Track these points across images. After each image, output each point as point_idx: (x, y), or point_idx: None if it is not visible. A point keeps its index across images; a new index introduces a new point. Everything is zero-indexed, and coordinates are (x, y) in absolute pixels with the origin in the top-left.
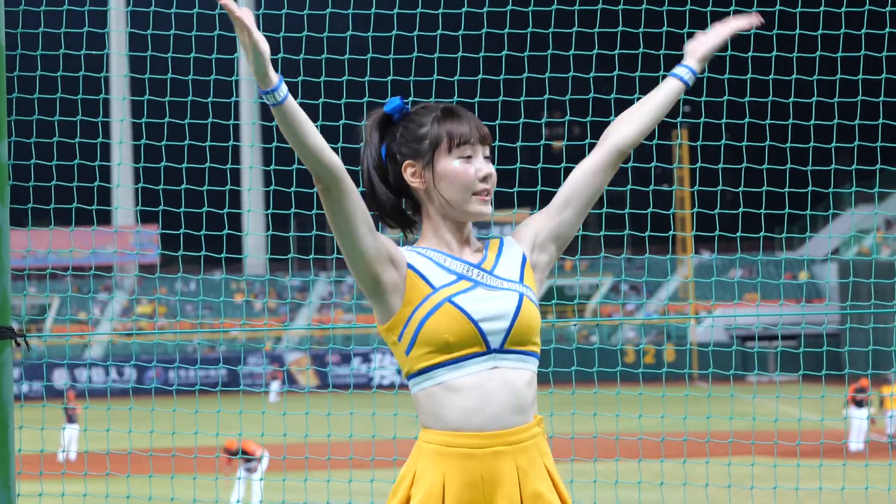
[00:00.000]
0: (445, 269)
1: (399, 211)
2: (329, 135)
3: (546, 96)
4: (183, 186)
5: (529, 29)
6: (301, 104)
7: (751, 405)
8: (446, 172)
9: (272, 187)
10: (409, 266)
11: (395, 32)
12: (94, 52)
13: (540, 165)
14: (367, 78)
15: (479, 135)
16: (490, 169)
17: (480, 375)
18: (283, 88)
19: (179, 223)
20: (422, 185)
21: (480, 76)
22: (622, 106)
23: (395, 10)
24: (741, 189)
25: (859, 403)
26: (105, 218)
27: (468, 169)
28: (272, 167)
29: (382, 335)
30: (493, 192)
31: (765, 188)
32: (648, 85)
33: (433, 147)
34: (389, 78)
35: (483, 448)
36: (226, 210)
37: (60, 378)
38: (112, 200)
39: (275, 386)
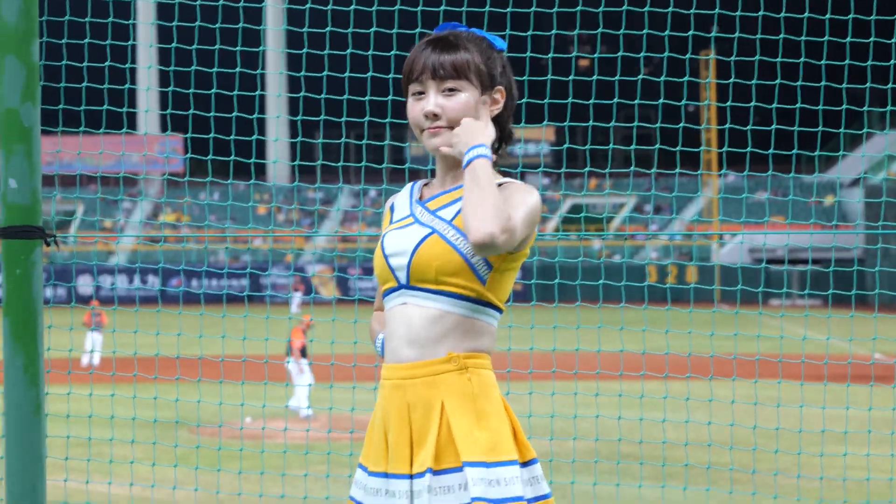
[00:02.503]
0: (409, 204)
1: None
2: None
3: (579, 7)
4: (213, 91)
5: None
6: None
7: (776, 328)
8: (407, 109)
9: (301, 93)
10: (391, 206)
11: None
12: None
13: (571, 77)
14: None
15: (430, 69)
16: (433, 107)
17: (393, 310)
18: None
19: (206, 130)
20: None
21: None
22: (653, 20)
23: None
24: (774, 105)
25: None
26: (131, 127)
27: (417, 106)
28: (301, 73)
29: None
30: (456, 123)
31: (798, 105)
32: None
33: (405, 83)
34: None
35: (386, 379)
36: (255, 115)
37: (85, 284)
38: (139, 105)
39: (296, 298)
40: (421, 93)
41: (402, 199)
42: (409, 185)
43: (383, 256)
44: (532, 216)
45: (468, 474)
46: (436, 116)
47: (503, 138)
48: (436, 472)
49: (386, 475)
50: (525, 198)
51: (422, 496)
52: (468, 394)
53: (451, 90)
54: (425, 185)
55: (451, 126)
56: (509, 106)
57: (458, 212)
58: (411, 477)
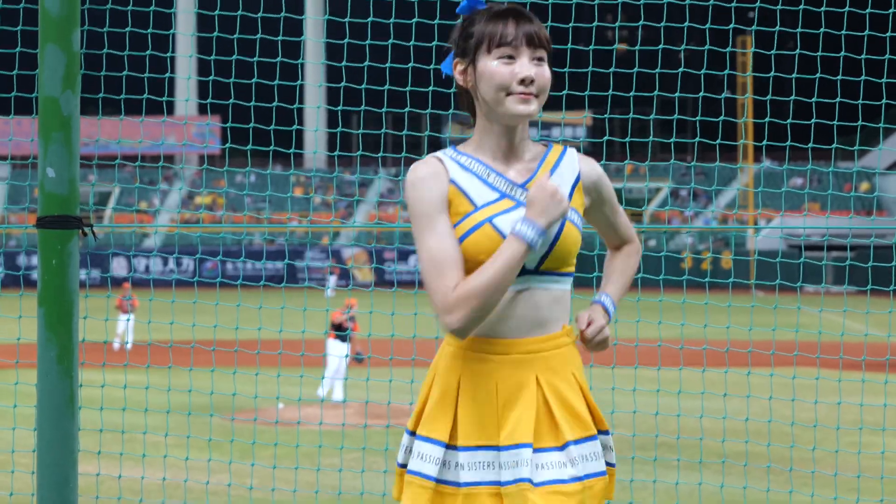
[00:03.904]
0: (489, 185)
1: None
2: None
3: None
4: (254, 81)
5: None
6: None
7: (815, 318)
8: (484, 72)
9: (342, 84)
10: (452, 181)
11: None
12: None
13: (612, 69)
14: None
15: (524, 36)
16: (531, 72)
17: (510, 294)
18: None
19: (245, 118)
20: (466, 83)
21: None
22: (693, 10)
23: None
24: (814, 100)
25: None
26: (171, 111)
27: (506, 69)
28: (343, 63)
29: None
30: (541, 97)
31: (838, 99)
32: None
33: (476, 45)
34: None
35: (499, 354)
36: (295, 105)
37: (119, 267)
38: (177, 93)
39: (332, 282)
40: (511, 57)
41: (466, 178)
42: (448, 158)
43: None
44: None
45: (604, 442)
46: (532, 82)
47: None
48: (579, 441)
49: (501, 447)
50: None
51: (575, 464)
52: (581, 365)
53: (540, 59)
54: (474, 154)
55: (538, 94)
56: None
57: (570, 191)
58: (538, 449)
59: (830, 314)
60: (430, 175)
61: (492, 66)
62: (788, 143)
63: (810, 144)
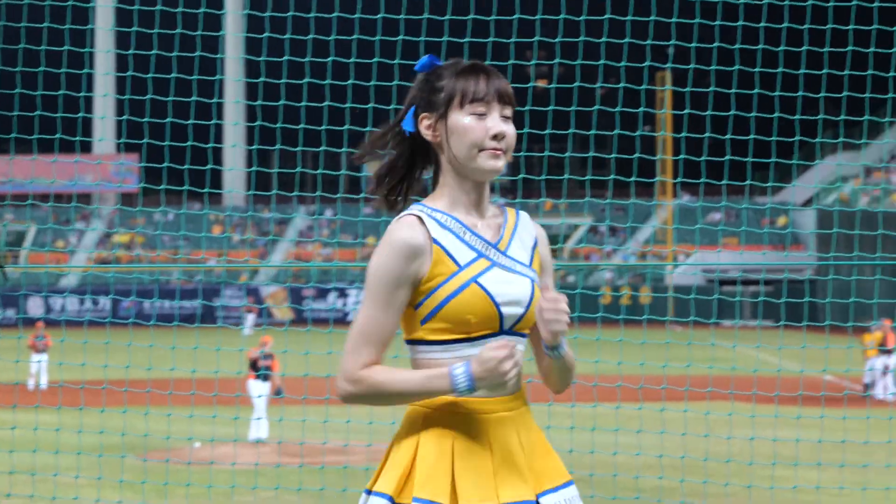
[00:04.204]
0: (466, 244)
1: (400, 178)
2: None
3: (536, 38)
4: (168, 120)
5: None
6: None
7: (730, 352)
8: (456, 127)
9: (257, 122)
10: (434, 241)
11: None
12: None
13: (528, 107)
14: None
15: (496, 93)
16: (503, 128)
17: None
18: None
19: (161, 156)
20: (434, 138)
21: (471, 16)
22: (609, 49)
23: None
24: (728, 136)
25: (886, 353)
26: (85, 149)
27: (479, 125)
28: (259, 102)
29: None
30: (508, 153)
31: (752, 136)
32: (638, 30)
33: (448, 100)
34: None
35: (489, 413)
36: (210, 145)
37: (35, 306)
38: (95, 132)
39: (249, 320)
40: (483, 113)
41: (446, 236)
42: (426, 216)
43: (494, 304)
44: None
45: (572, 491)
46: (504, 137)
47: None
48: (557, 489)
49: (525, 502)
50: None
51: None
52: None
53: (507, 117)
54: (448, 211)
55: (506, 150)
56: None
57: (531, 255)
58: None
59: (745, 349)
60: (409, 249)
61: (464, 121)
62: (703, 179)
63: (724, 181)
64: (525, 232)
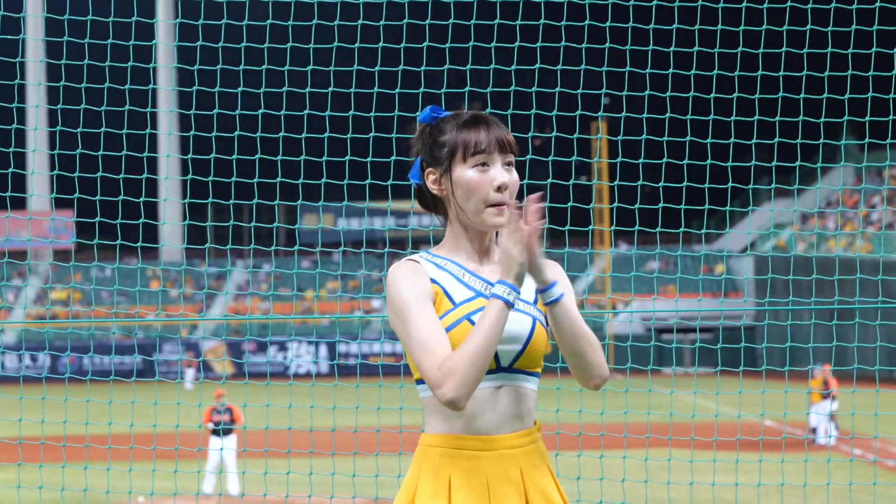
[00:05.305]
0: (465, 284)
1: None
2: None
3: (467, 88)
4: (99, 174)
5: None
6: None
7: (667, 398)
8: (461, 181)
9: (189, 176)
10: (432, 280)
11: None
12: (9, 37)
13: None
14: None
15: (496, 143)
16: (506, 178)
17: (487, 391)
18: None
19: (95, 211)
20: (440, 192)
21: (401, 67)
22: (540, 99)
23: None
24: (661, 184)
25: (827, 396)
26: (20, 205)
27: (483, 178)
28: (190, 155)
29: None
30: (513, 201)
31: (685, 184)
32: (570, 80)
33: (451, 155)
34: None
35: (486, 451)
36: (142, 199)
37: None
38: (27, 187)
39: (189, 375)
40: (485, 164)
41: (445, 277)
42: (423, 260)
43: None
44: None
45: None
46: (507, 188)
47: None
48: None
49: None
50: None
51: None
52: (548, 456)
53: (509, 164)
54: (448, 256)
55: (511, 199)
56: None
57: (536, 294)
58: None
59: (682, 395)
60: (411, 271)
61: (468, 175)
62: (637, 227)
63: (658, 229)
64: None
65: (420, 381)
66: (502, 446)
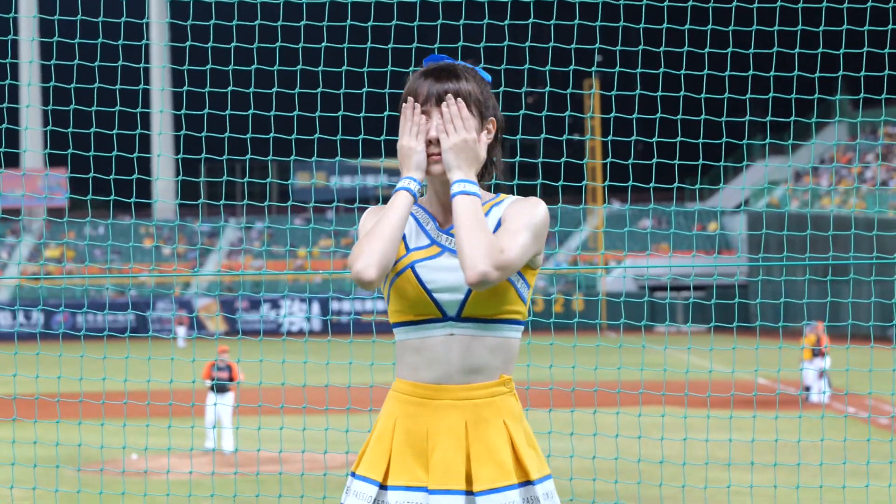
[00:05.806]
0: (424, 231)
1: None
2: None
3: (460, 43)
4: (92, 130)
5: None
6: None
7: (661, 356)
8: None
9: (182, 132)
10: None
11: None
12: None
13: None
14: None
15: (434, 97)
16: (433, 135)
17: (437, 339)
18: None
19: (89, 167)
20: None
21: (394, 21)
22: (534, 54)
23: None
24: (655, 139)
25: (819, 354)
26: (13, 161)
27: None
28: (183, 111)
29: None
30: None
31: (678, 139)
32: (563, 35)
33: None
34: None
35: (430, 399)
36: (136, 154)
37: None
38: (20, 143)
39: (181, 332)
40: (426, 115)
41: (410, 223)
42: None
43: (424, 291)
44: (539, 232)
45: (537, 490)
46: (438, 143)
47: (489, 166)
48: (495, 490)
49: (430, 490)
50: (530, 217)
51: None
52: (518, 415)
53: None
54: (423, 205)
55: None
56: (499, 136)
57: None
58: (470, 493)
59: (676, 352)
60: (379, 209)
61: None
62: (630, 182)
63: (652, 184)
64: (493, 217)
65: (395, 324)
66: (449, 397)
